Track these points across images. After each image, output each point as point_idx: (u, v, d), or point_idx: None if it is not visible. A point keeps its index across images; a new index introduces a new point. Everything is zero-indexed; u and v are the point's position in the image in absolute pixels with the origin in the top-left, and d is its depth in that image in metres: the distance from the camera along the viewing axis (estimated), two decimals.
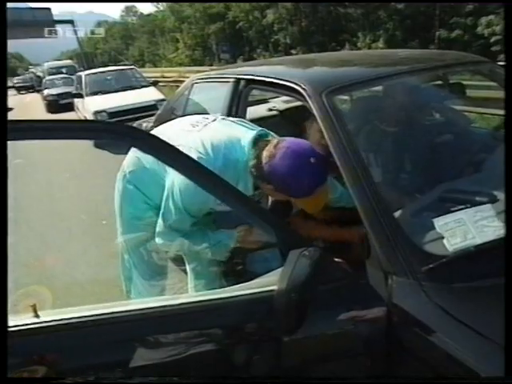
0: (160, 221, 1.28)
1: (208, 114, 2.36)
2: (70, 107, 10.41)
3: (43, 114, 14.00)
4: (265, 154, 1.17)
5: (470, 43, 15.27)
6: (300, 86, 1.26)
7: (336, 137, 1.09)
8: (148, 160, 1.31)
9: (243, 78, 1.62)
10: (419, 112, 1.57)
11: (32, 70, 41.00)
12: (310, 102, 1.21)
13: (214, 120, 1.35)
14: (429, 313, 0.84)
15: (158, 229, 1.29)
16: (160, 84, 10.68)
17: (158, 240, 1.30)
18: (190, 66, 28.74)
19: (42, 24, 27.21)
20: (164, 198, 1.26)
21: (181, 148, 1.00)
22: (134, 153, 1.39)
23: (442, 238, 0.95)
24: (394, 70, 1.37)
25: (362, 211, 0.97)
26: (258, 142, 1.20)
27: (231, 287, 0.92)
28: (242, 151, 1.20)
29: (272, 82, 1.41)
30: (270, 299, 0.79)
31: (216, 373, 0.91)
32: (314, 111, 1.19)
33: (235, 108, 1.63)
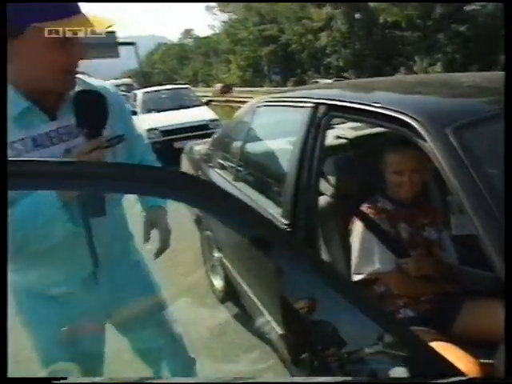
0: None
1: (274, 139, 2.13)
2: None
3: None
4: None
5: None
6: (411, 116, 0.95)
7: (470, 183, 0.81)
8: None
9: (324, 103, 1.33)
10: None
11: None
12: (427, 138, 0.90)
13: None
14: None
15: None
16: (213, 103, 10.68)
17: None
18: (240, 86, 29.40)
19: (106, 46, 29.09)
20: None
21: None
22: None
23: None
24: None
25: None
26: None
27: None
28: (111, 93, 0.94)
29: (366, 111, 1.11)
30: None
31: None
32: (435, 150, 0.88)
33: (313, 136, 1.33)
